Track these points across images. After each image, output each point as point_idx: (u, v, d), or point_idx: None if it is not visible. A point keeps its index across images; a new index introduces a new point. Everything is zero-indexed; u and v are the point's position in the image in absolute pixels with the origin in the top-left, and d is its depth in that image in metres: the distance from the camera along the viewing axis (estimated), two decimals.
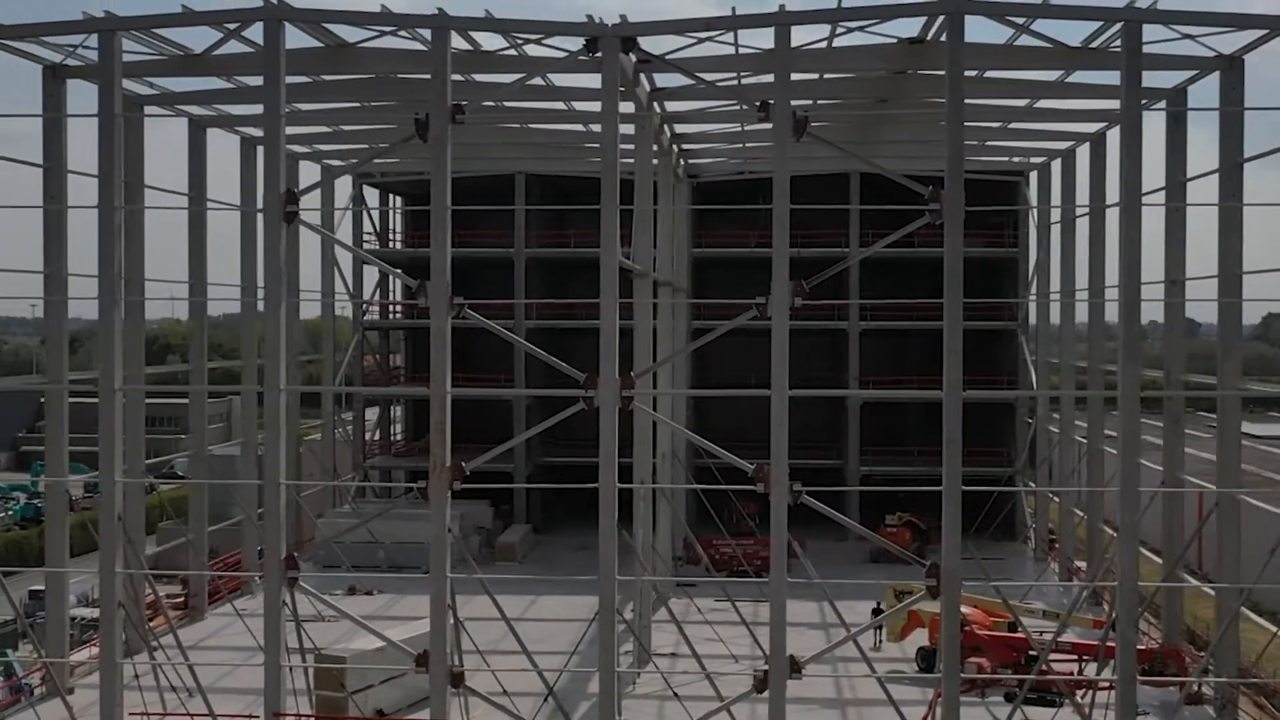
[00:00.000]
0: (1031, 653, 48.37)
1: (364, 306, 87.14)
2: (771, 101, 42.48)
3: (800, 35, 47.42)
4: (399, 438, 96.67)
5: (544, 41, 45.81)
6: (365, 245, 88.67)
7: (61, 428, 49.36)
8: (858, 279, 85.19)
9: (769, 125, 63.20)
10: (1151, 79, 53.09)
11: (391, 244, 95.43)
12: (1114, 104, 57.11)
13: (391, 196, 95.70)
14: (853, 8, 43.12)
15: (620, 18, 42.21)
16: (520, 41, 46.90)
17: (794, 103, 56.83)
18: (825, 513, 44.53)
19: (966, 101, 57.40)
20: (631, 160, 62.75)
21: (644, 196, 53.41)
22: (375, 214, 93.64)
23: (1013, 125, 64.26)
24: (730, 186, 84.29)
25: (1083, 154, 66.59)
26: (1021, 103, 58.21)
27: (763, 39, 47.04)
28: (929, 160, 74.73)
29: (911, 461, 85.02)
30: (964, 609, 52.52)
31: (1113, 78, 51.39)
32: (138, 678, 47.00)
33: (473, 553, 77.92)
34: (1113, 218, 60.54)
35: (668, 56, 47.82)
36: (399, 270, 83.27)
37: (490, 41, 48.36)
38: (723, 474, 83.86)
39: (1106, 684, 44.09)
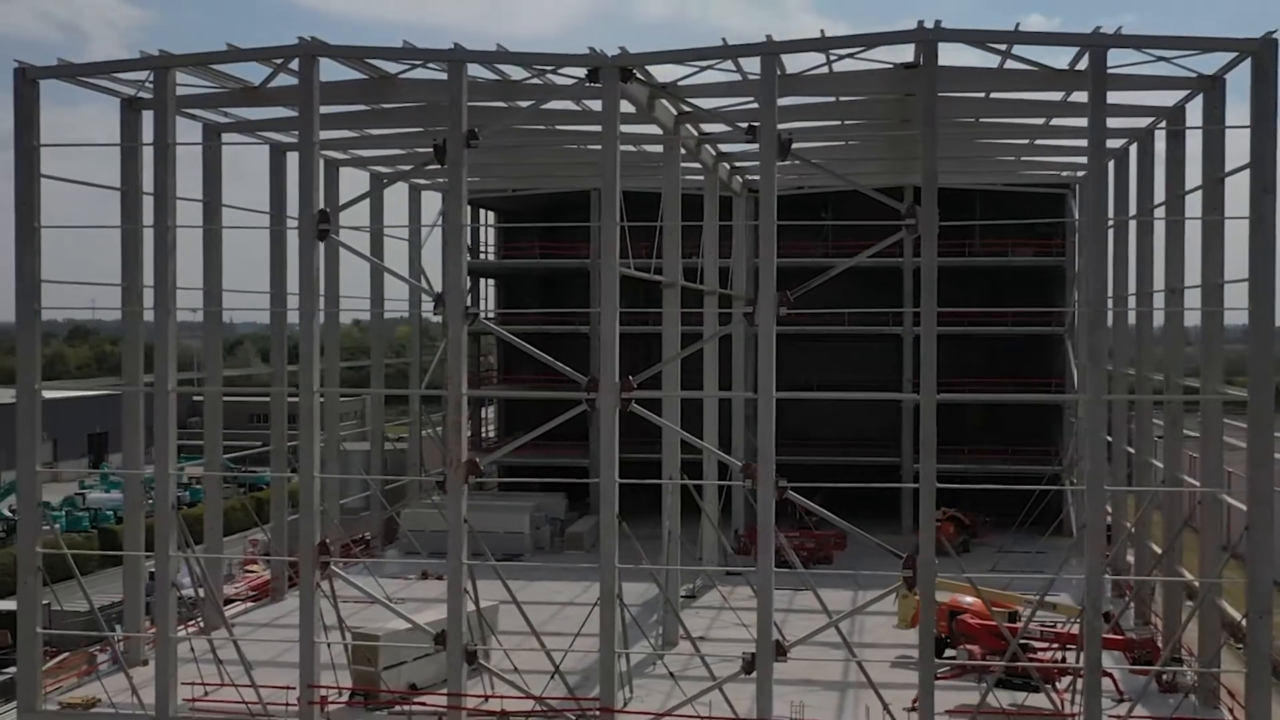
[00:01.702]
0: (1021, 641, 48.22)
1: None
2: (757, 124, 42.75)
3: (807, 62, 47.99)
4: (491, 434, 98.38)
5: (560, 71, 46.73)
6: None
7: (137, 426, 51.22)
8: (912, 287, 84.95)
9: (809, 144, 64.44)
10: (1153, 98, 52.80)
11: (483, 255, 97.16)
12: (1135, 121, 57.09)
13: (484, 212, 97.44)
14: (836, 37, 43.45)
15: (620, 49, 43.20)
16: (540, 71, 47.85)
17: (827, 123, 57.87)
18: (811, 508, 45.21)
19: (995, 120, 57.95)
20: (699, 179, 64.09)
21: (672, 213, 54.26)
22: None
23: (1045, 142, 63.93)
24: (796, 199, 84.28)
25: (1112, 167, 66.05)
26: (1039, 121, 57.83)
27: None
28: (963, 175, 74.90)
29: (963, 460, 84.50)
30: (969, 599, 52.64)
31: (1132, 97, 51.20)
32: (193, 651, 48.92)
33: (544, 541, 79.51)
34: (1132, 228, 60.38)
35: (680, 82, 48.81)
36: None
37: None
38: (786, 471, 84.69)
39: (1076, 671, 43.98)
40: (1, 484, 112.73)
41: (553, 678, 44.54)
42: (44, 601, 67.15)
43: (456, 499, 44.78)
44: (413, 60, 46.92)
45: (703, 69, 47.08)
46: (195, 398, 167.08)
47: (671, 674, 47.15)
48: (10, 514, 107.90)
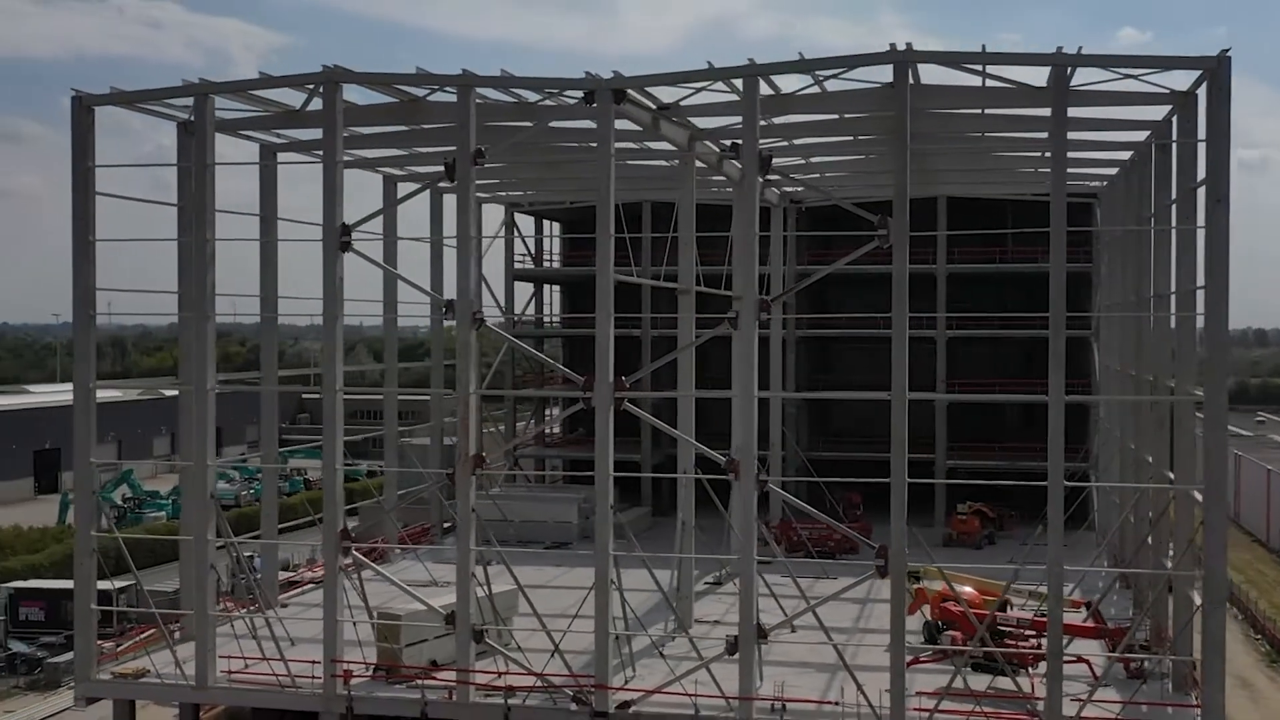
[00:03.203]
0: (1001, 627, 48.29)
1: (514, 317, 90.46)
2: (740, 142, 43.38)
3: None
4: (555, 430, 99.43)
5: (566, 93, 47.59)
6: (517, 265, 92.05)
7: (192, 422, 52.74)
8: (944, 292, 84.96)
9: (834, 157, 64.72)
10: (1152, 113, 52.47)
11: (547, 263, 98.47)
12: (1135, 135, 56.73)
13: (547, 223, 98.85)
14: (815, 59, 43.98)
15: (613, 73, 44.03)
16: (552, 93, 48.72)
17: (840, 139, 58.11)
18: (790, 500, 45.55)
19: (1002, 135, 57.84)
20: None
21: (687, 224, 54.92)
22: (531, 239, 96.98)
23: (1076, 154, 63.77)
24: (840, 210, 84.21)
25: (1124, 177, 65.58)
26: (1042, 134, 57.55)
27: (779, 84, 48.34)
28: (990, 186, 74.61)
29: (993, 456, 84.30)
30: (968, 588, 52.76)
31: (1132, 112, 50.95)
32: (232, 628, 50.52)
33: (592, 530, 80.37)
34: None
35: (682, 102, 49.47)
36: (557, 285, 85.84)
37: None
38: (829, 465, 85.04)
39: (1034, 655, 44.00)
40: (115, 474, 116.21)
41: (552, 657, 45.45)
42: (130, 582, 69.85)
43: (464, 490, 45.85)
44: (430, 84, 48.09)
45: (698, 90, 47.61)
46: (304, 395, 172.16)
47: (662, 654, 47.92)
48: (121, 502, 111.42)
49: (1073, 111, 50.78)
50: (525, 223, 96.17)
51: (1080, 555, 72.92)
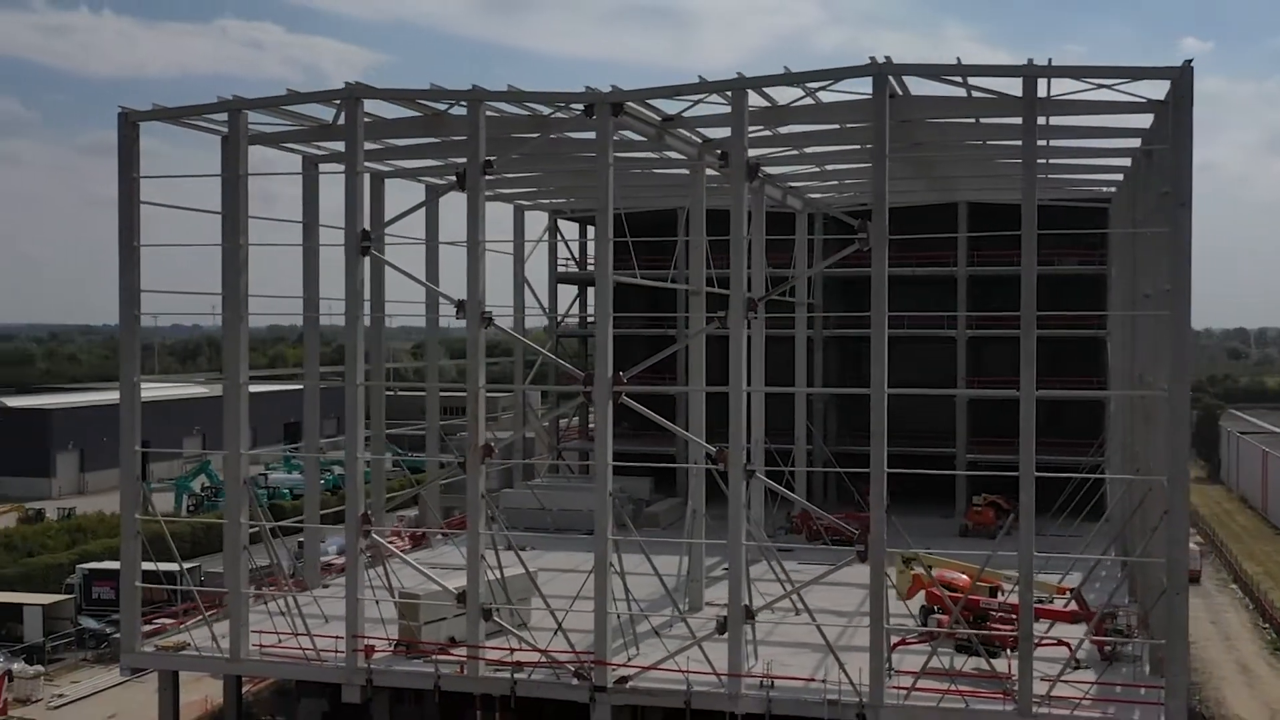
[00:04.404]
0: (988, 611, 48.58)
1: (558, 317, 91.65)
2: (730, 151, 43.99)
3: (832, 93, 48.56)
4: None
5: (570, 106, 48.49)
6: (561, 268, 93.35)
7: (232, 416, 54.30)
8: (964, 293, 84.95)
9: (847, 165, 65.16)
10: (1144, 120, 52.51)
11: (591, 266, 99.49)
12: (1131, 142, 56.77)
13: (590, 228, 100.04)
14: (800, 72, 44.52)
15: (611, 87, 44.91)
16: (561, 105, 49.60)
17: (847, 147, 58.54)
18: (779, 491, 46.20)
19: (1010, 142, 58.03)
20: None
21: (697, 229, 55.56)
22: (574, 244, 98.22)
23: (1068, 161, 63.79)
24: (855, 215, 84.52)
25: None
26: (1042, 142, 57.60)
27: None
28: (1008, 191, 74.57)
29: (1010, 451, 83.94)
30: (960, 575, 53.08)
31: (1138, 120, 51.05)
32: (269, 609, 51.96)
33: (624, 519, 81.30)
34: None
35: (688, 114, 50.23)
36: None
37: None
38: (856, 459, 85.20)
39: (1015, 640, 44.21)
40: (195, 465, 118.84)
41: (555, 635, 46.45)
42: (194, 564, 71.87)
43: (475, 478, 46.84)
44: (446, 99, 49.19)
45: (696, 102, 48.30)
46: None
47: (656, 632, 48.72)
48: (200, 491, 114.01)
49: (1074, 119, 51.31)
50: (569, 228, 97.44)
51: (1090, 545, 72.92)
